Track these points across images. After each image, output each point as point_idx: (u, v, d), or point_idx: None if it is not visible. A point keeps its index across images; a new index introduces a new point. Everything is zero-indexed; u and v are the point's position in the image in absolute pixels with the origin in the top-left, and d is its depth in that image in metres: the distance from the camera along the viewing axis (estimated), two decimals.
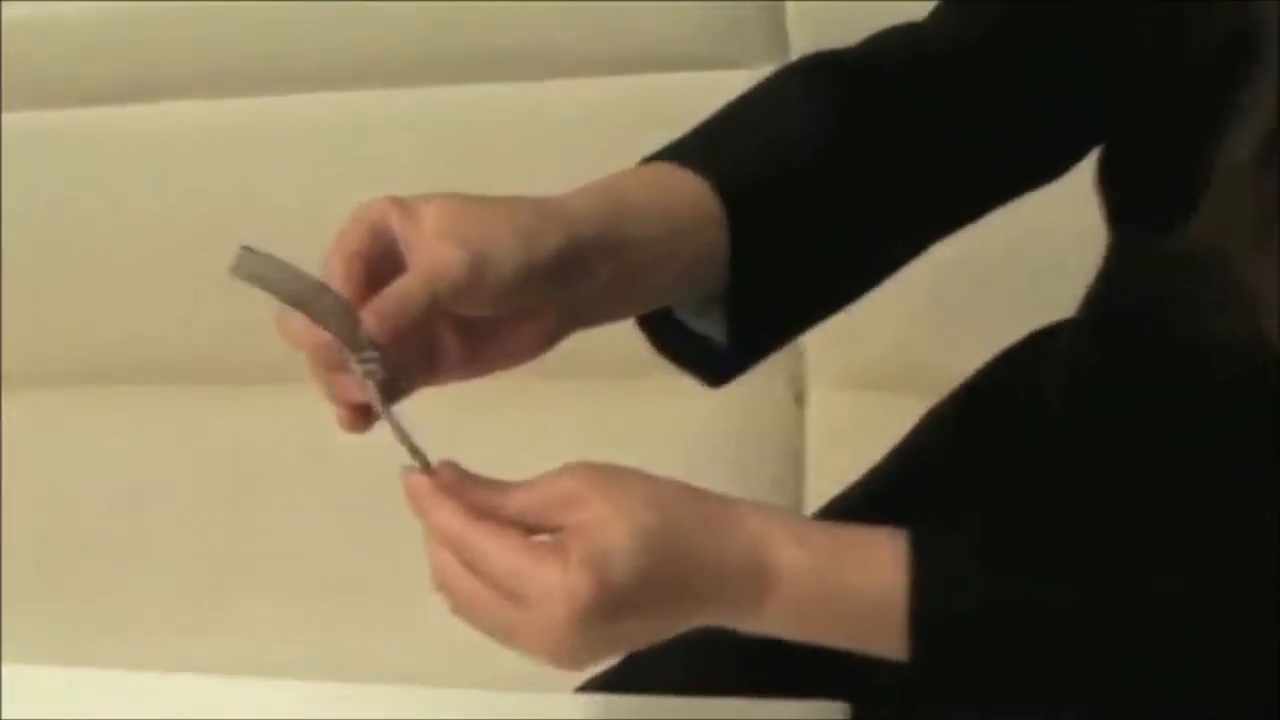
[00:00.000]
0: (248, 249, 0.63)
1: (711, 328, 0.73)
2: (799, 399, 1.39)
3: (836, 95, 0.74)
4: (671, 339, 0.74)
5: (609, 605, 0.60)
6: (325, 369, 0.65)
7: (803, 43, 1.16)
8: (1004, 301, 1.17)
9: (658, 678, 0.80)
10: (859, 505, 0.90)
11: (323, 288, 0.63)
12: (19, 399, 1.43)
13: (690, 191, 0.69)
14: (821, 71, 0.76)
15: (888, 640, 0.63)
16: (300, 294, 0.63)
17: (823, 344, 1.31)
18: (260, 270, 0.63)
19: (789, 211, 0.70)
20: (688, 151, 0.71)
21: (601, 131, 1.15)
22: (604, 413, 1.31)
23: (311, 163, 1.33)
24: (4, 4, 1.27)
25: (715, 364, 0.74)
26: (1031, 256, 1.16)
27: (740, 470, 1.27)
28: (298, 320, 0.62)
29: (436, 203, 0.65)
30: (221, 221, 1.30)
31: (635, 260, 0.67)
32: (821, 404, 1.37)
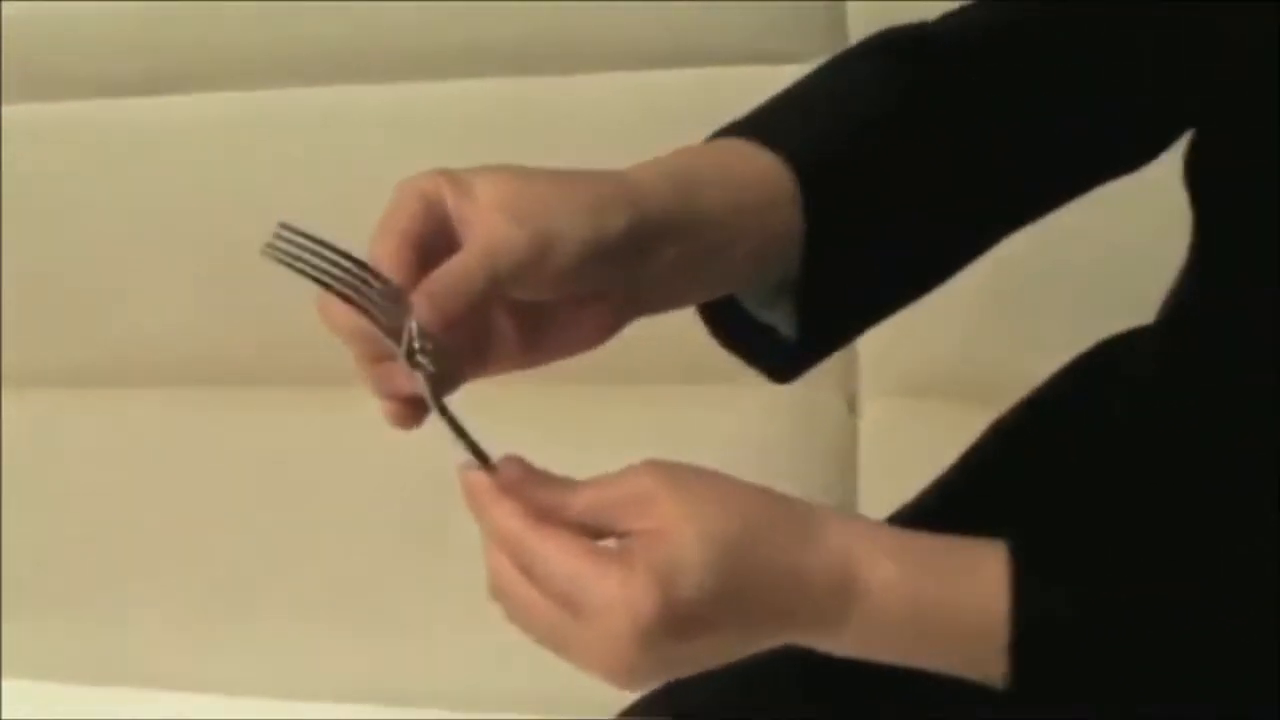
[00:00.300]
0: (285, 226, 0.59)
1: (778, 318, 0.68)
2: (851, 406, 1.35)
3: (908, 73, 0.69)
4: (735, 329, 0.69)
5: (676, 621, 0.56)
6: (371, 360, 0.61)
7: (863, 36, 1.13)
8: (1069, 305, 1.14)
9: (706, 703, 0.76)
10: (918, 521, 0.84)
11: (367, 270, 0.58)
12: (19, 399, 1.41)
13: (763, 167, 0.64)
14: (892, 50, 0.71)
15: (985, 660, 0.58)
16: (341, 278, 0.58)
17: (876, 349, 1.28)
18: (296, 251, 0.58)
19: (864, 191, 0.66)
20: (758, 127, 0.66)
21: (659, 125, 1.10)
22: (648, 419, 1.27)
23: (335, 159, 1.30)
24: None
25: (781, 358, 0.69)
26: (1101, 257, 1.13)
27: (790, 480, 1.18)
28: (340, 306, 0.58)
29: (492, 176, 0.61)
30: (230, 218, 1.26)
31: (705, 240, 0.62)
32: (875, 411, 1.33)
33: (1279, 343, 0.65)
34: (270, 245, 0.58)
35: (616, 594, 0.56)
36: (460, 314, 0.58)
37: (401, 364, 0.59)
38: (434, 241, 0.59)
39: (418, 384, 0.59)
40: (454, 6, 1.22)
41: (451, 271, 0.58)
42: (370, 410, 0.62)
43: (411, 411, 0.61)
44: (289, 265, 0.58)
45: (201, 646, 1.15)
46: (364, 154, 1.28)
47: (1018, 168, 0.70)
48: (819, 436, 1.31)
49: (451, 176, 0.61)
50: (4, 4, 1.26)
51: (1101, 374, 0.85)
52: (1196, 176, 0.68)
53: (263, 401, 1.34)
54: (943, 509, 0.84)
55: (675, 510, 0.57)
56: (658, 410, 1.30)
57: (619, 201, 0.61)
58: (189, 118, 1.31)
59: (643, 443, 1.05)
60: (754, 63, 1.19)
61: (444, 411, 0.59)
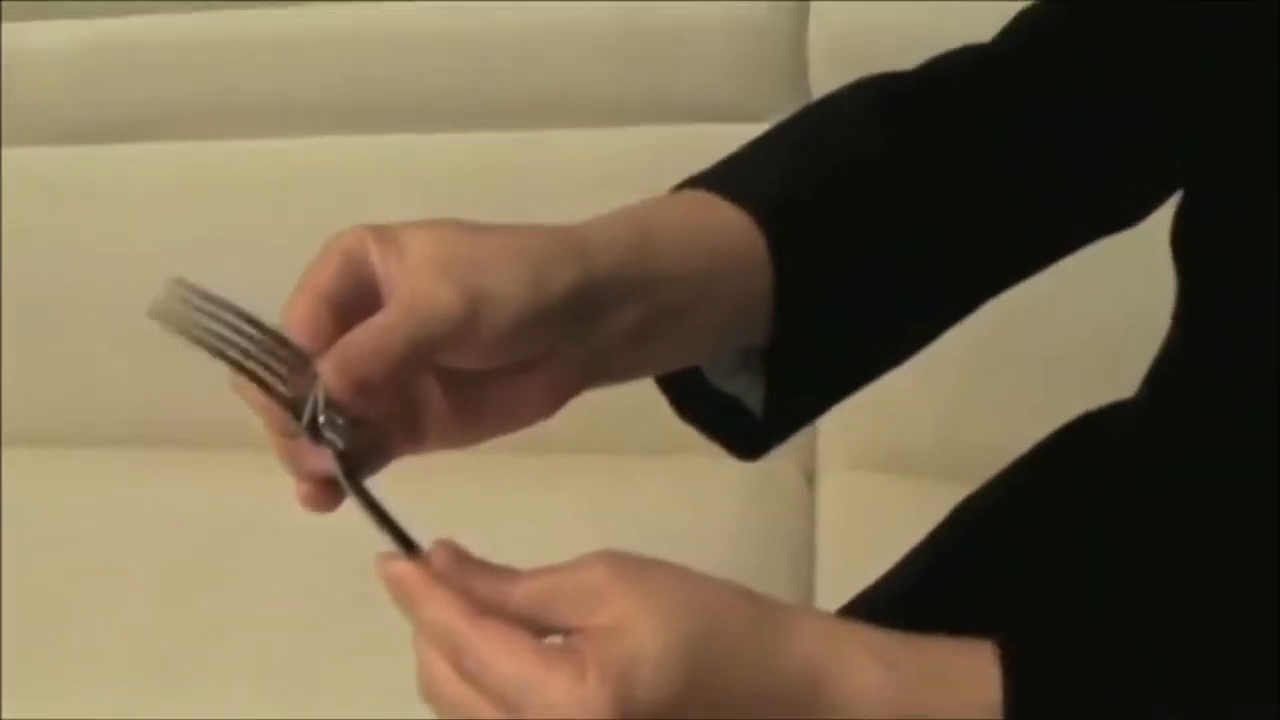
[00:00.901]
0: (179, 283, 0.53)
1: (742, 387, 0.62)
2: (809, 479, 1.30)
3: (884, 120, 0.64)
4: (695, 400, 0.64)
5: None
6: (283, 433, 0.55)
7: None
8: (1040, 379, 1.11)
9: None
10: (881, 607, 0.80)
11: (270, 335, 0.52)
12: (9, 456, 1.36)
13: (727, 221, 0.59)
14: (867, 96, 0.66)
15: None
16: (234, 343, 0.52)
17: (836, 420, 1.21)
18: (182, 310, 0.52)
19: (838, 247, 0.60)
20: (723, 179, 0.61)
21: (620, 182, 1.09)
22: (594, 491, 1.24)
23: (327, 209, 1.25)
24: (4, 36, 1.23)
25: (746, 432, 0.64)
26: (1076, 330, 1.10)
27: (743, 556, 1.20)
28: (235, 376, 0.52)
29: (424, 230, 0.55)
30: (228, 269, 1.21)
31: (662, 302, 0.57)
32: (834, 486, 1.29)
33: (1269, 411, 0.61)
34: (159, 304, 0.52)
35: (565, 696, 0.50)
36: (374, 382, 0.52)
37: (304, 439, 0.53)
38: (356, 303, 0.54)
39: (329, 461, 0.53)
40: (426, 60, 1.21)
41: (366, 333, 0.52)
42: None
43: (325, 493, 0.55)
44: (175, 329, 0.52)
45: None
46: (382, 205, 1.25)
47: (1000, 219, 0.65)
48: (775, 510, 1.27)
49: (379, 232, 0.55)
50: (4, 45, 1.23)
51: (1082, 449, 0.80)
52: (1185, 240, 0.65)
53: (250, 466, 1.29)
54: (911, 593, 0.79)
55: (631, 604, 0.51)
56: (603, 482, 1.25)
57: (564, 256, 0.55)
58: (189, 165, 1.29)
59: (588, 517, 1.01)
60: (714, 120, 1.16)
61: (360, 492, 0.54)
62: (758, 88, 1.17)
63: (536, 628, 0.52)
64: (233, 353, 0.52)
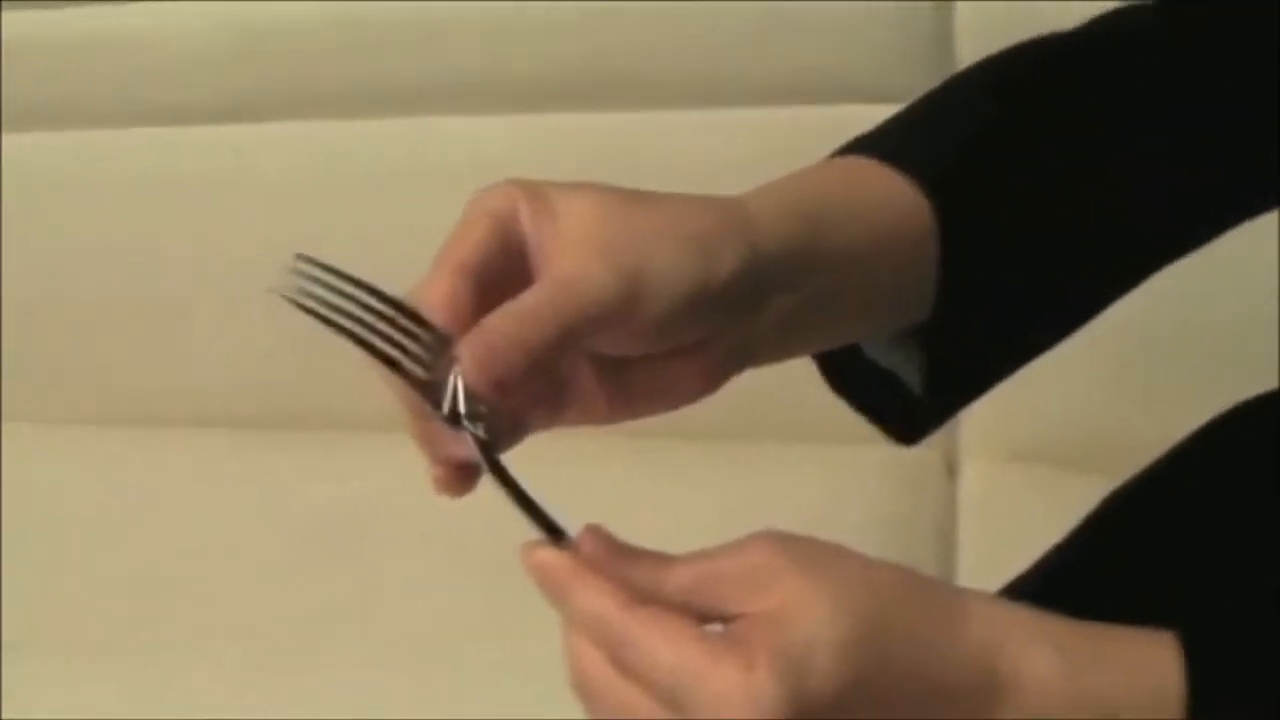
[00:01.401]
0: (303, 258, 0.50)
1: (903, 365, 0.59)
2: (951, 469, 1.28)
3: (1046, 86, 0.60)
4: (852, 375, 0.60)
5: (805, 717, 0.46)
6: (419, 414, 0.51)
7: None
8: (1191, 367, 1.07)
9: None
10: (1034, 596, 0.75)
11: (404, 312, 0.49)
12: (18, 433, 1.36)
13: (894, 193, 0.55)
14: (1026, 63, 0.62)
15: None
16: (366, 321, 0.49)
17: (979, 408, 1.19)
18: (312, 289, 0.49)
19: (1005, 217, 0.57)
20: (886, 147, 0.57)
21: (758, 164, 1.06)
22: (731, 480, 1.21)
23: (378, 196, 1.26)
24: (4, 21, 1.23)
25: (906, 412, 0.61)
26: (1228, 317, 1.06)
27: (883, 547, 1.14)
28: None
29: (580, 196, 0.51)
30: (248, 253, 1.21)
31: (831, 282, 0.53)
32: (976, 476, 1.26)
33: None
34: (283, 282, 0.49)
35: (733, 687, 0.46)
36: (518, 376, 0.49)
37: (442, 427, 0.50)
38: (501, 272, 0.51)
39: (468, 445, 0.50)
40: (536, 38, 1.19)
41: (511, 319, 0.49)
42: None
43: (461, 477, 0.52)
44: (300, 307, 0.49)
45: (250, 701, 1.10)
46: (399, 188, 1.24)
47: (1169, 185, 0.62)
48: (914, 502, 1.24)
49: (531, 192, 0.51)
50: (4, 30, 1.23)
51: (1245, 437, 0.76)
52: None
53: (274, 450, 1.30)
54: (1066, 582, 0.76)
55: (800, 587, 0.48)
56: (737, 471, 1.23)
57: (730, 236, 0.51)
58: (202, 151, 1.29)
59: (720, 507, 0.99)
60: (858, 100, 1.12)
61: (505, 479, 0.50)
62: (900, 65, 1.13)
63: (694, 616, 0.49)
64: (366, 335, 0.49)
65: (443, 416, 0.50)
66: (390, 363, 0.50)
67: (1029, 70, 0.62)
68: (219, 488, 1.31)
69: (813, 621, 0.47)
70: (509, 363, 0.49)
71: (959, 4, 1.13)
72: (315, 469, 1.31)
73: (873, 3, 1.14)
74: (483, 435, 0.50)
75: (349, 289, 0.50)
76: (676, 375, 0.54)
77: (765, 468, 1.24)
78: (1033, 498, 1.17)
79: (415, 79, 1.22)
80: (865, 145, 0.58)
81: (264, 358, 1.31)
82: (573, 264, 0.50)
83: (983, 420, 1.23)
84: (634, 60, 1.19)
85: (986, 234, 0.56)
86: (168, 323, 1.35)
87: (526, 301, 0.49)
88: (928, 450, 1.27)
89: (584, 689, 0.50)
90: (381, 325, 0.50)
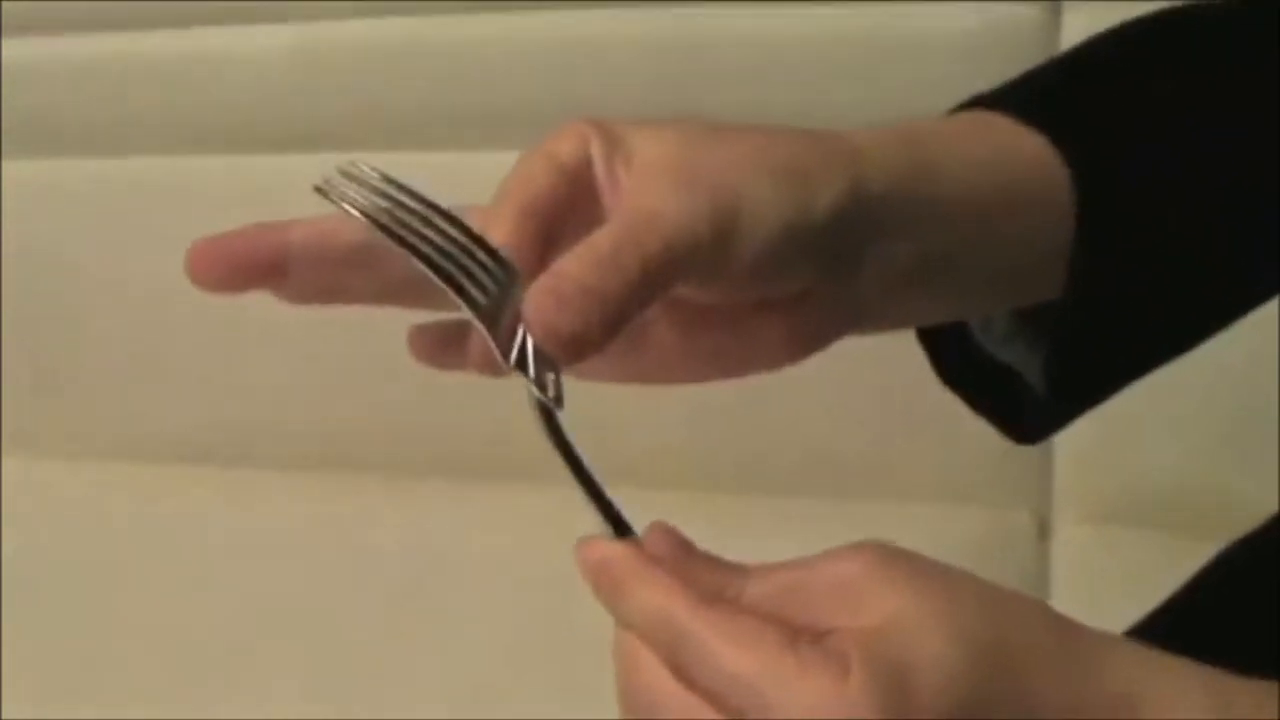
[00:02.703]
0: (355, 164, 0.44)
1: (1023, 358, 0.53)
2: (1043, 530, 1.23)
3: (1203, 53, 0.54)
4: (965, 366, 0.55)
5: None
6: (482, 367, 0.45)
7: None
8: None
9: None
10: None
11: (464, 231, 0.42)
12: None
13: (1022, 148, 0.49)
14: (1183, 26, 0.56)
15: None
16: (414, 228, 0.42)
17: (1073, 464, 1.18)
18: (358, 190, 0.42)
19: (1152, 189, 0.50)
20: (1010, 99, 0.51)
21: None
22: (813, 537, 1.16)
23: None
24: (3, 45, 1.22)
25: (1025, 409, 0.55)
26: None
27: None
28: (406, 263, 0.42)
29: (658, 131, 0.46)
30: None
31: (942, 239, 0.47)
32: (1070, 537, 1.21)
33: None
34: (329, 182, 0.43)
35: (825, 697, 0.38)
36: (594, 333, 0.42)
37: (506, 367, 0.43)
38: (570, 221, 0.45)
39: (529, 392, 0.43)
40: (614, 76, 1.16)
41: (587, 260, 0.42)
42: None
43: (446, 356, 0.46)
44: (339, 203, 0.43)
45: None
46: None
47: None
48: (1005, 563, 1.18)
49: (605, 131, 0.46)
50: (4, 54, 1.23)
51: None
52: None
53: (268, 490, 1.28)
54: (1182, 639, 0.71)
55: (906, 604, 0.41)
56: (824, 528, 1.17)
57: (832, 167, 0.45)
58: (202, 182, 1.27)
59: None
60: None
61: (570, 457, 0.43)
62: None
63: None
64: (411, 237, 0.42)
65: (512, 364, 0.43)
66: (455, 286, 0.43)
67: (1192, 38, 0.56)
68: (88, 518, 1.30)
69: (919, 638, 0.40)
70: (584, 316, 0.42)
71: (1065, 36, 1.09)
72: (186, 502, 1.29)
73: (968, 37, 1.10)
74: (551, 403, 0.43)
75: (409, 201, 0.43)
76: (764, 334, 0.48)
77: (849, 525, 1.16)
78: (1129, 561, 1.13)
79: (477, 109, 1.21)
80: (992, 100, 0.52)
81: (292, 396, 1.30)
82: (654, 198, 0.43)
83: (1076, 480, 1.21)
84: (724, 94, 1.16)
85: (1128, 212, 0.50)
86: (201, 358, 1.35)
87: (601, 242, 0.42)
88: (1018, 510, 1.22)
89: (637, 701, 0.43)
90: (443, 242, 0.43)
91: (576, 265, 0.42)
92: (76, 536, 1.29)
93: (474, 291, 0.43)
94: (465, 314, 0.43)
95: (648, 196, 0.44)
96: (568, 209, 0.45)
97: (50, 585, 1.22)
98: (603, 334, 0.42)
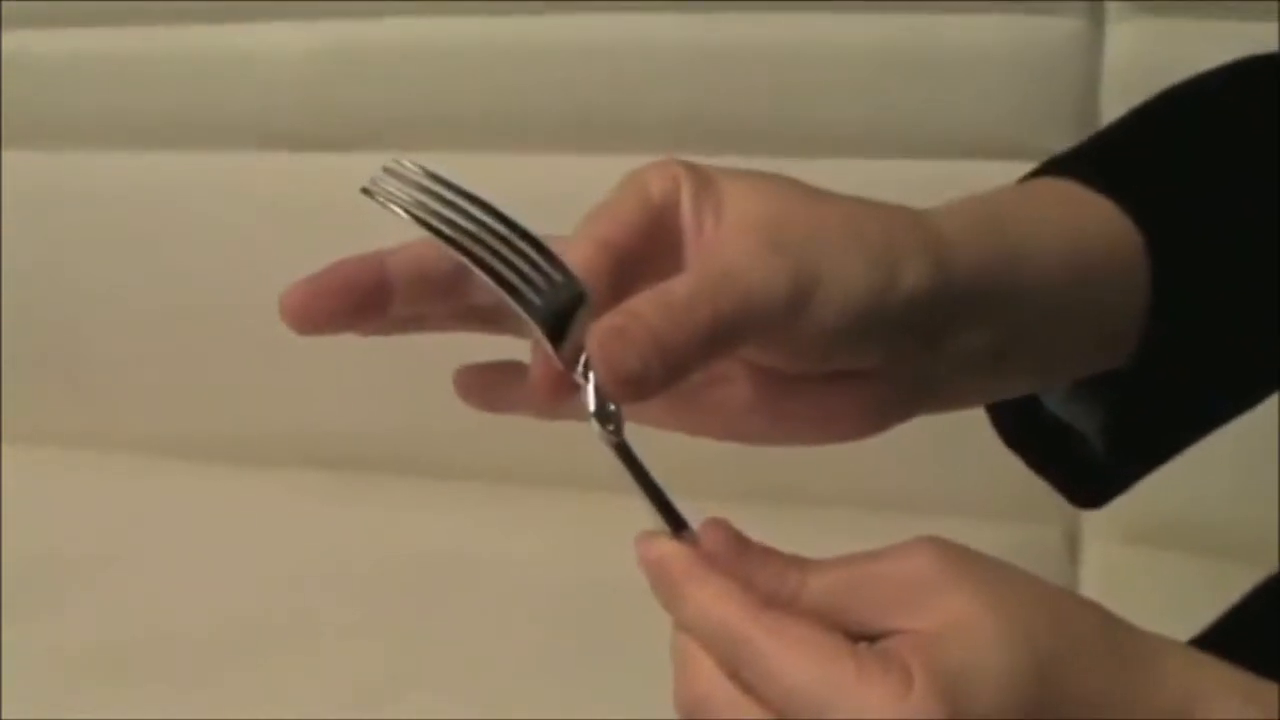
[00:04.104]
0: (398, 161, 0.43)
1: (1082, 417, 0.52)
2: (1073, 550, 1.22)
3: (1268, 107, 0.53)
4: (1027, 427, 0.54)
5: None
6: (542, 385, 0.45)
7: None
8: None
9: None
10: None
11: (534, 245, 0.42)
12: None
13: (1101, 221, 0.49)
14: (1258, 78, 0.55)
15: None
16: (475, 235, 0.41)
17: None
18: (407, 192, 0.42)
19: (1222, 255, 0.50)
20: (1091, 165, 0.50)
21: None
22: (839, 548, 1.16)
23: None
24: (3, 38, 1.23)
25: (1086, 472, 0.54)
26: None
27: None
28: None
29: (752, 184, 0.45)
30: (248, 282, 1.13)
31: (1022, 321, 0.47)
32: (1100, 558, 1.20)
33: None
34: (376, 181, 0.43)
35: (883, 711, 0.39)
36: (653, 381, 0.41)
37: (556, 364, 0.43)
38: (652, 266, 0.44)
39: (586, 398, 0.43)
40: (658, 82, 1.15)
41: (659, 304, 0.41)
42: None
43: (559, 387, 0.45)
44: (385, 204, 0.42)
45: None
46: None
47: None
48: None
49: (697, 174, 0.45)
50: (4, 45, 1.23)
51: None
52: None
53: (263, 486, 1.27)
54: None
55: (967, 604, 0.41)
56: (851, 540, 1.15)
57: (919, 253, 0.45)
58: (200, 175, 1.27)
59: None
60: (993, 157, 1.08)
61: (625, 452, 0.43)
62: (1039, 121, 1.09)
63: (835, 629, 0.42)
64: (477, 249, 0.42)
65: (578, 372, 0.43)
66: (508, 286, 0.42)
67: (1257, 96, 0.55)
68: (91, 509, 1.29)
69: (980, 645, 0.40)
70: (645, 361, 0.41)
71: (1109, 53, 1.09)
72: (191, 495, 1.29)
73: (1008, 53, 1.10)
74: (612, 431, 0.43)
75: (463, 203, 0.43)
76: (833, 405, 0.48)
77: (879, 538, 1.18)
78: (1159, 581, 1.12)
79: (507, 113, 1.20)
80: (1064, 166, 0.52)
81: (310, 396, 1.29)
82: (737, 254, 0.43)
83: None
84: (777, 109, 1.16)
85: (1199, 278, 0.50)
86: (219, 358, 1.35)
87: (677, 289, 0.42)
88: (1048, 528, 1.21)
89: (694, 707, 0.43)
90: (499, 245, 0.42)
91: (649, 308, 0.42)
92: (76, 533, 1.28)
93: (530, 295, 0.42)
94: (515, 309, 0.43)
95: (731, 251, 0.43)
96: (648, 246, 0.45)
97: (50, 585, 1.21)
98: (663, 381, 0.42)
